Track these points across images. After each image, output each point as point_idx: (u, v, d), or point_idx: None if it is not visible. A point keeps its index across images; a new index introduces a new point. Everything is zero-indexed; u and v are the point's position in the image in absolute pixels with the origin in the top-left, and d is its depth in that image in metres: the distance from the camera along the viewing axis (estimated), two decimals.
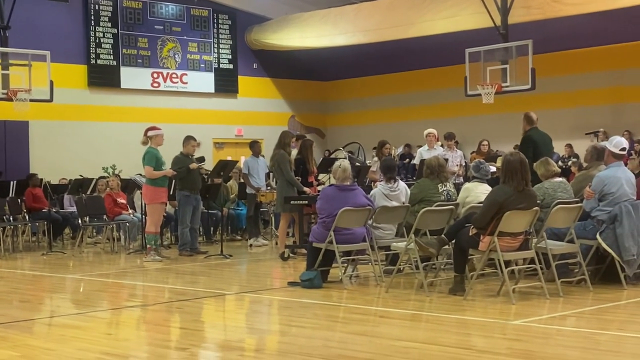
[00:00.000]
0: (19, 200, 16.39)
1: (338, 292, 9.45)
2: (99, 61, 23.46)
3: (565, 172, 17.34)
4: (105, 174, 20.30)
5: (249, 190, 15.36)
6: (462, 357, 6.13)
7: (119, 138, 22.85)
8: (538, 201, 8.89)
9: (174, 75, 24.82)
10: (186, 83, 25.10)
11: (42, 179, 17.23)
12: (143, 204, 14.13)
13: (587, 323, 7.57)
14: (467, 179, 14.58)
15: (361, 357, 6.22)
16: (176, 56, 24.90)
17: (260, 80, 27.09)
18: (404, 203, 10.46)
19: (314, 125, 28.56)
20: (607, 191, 9.12)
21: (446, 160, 12.49)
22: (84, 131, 22.93)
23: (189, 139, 14.10)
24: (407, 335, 7.15)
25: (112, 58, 23.67)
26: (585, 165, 11.08)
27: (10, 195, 16.46)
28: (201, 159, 14.15)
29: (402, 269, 10.07)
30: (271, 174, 15.75)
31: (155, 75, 24.45)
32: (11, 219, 16.12)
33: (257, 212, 15.88)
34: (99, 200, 15.85)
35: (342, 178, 10.00)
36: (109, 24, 23.65)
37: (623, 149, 9.44)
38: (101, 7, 23.52)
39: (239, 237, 16.99)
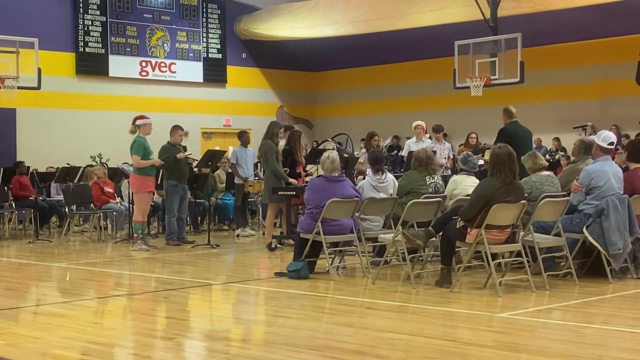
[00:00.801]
0: (6, 188, 16.34)
1: (325, 283, 9.45)
2: (87, 49, 23.38)
3: (553, 166, 17.40)
4: (93, 163, 20.24)
5: (237, 180, 15.34)
6: (448, 349, 6.15)
7: (106, 126, 22.77)
8: (525, 194, 8.91)
9: (162, 64, 24.76)
10: (175, 72, 25.04)
11: (29, 167, 17.18)
12: (130, 193, 14.09)
13: (573, 316, 7.60)
14: (455, 171, 14.59)
15: (347, 348, 6.23)
16: (165, 45, 24.82)
17: (249, 70, 27.05)
18: (391, 195, 10.47)
19: (303, 116, 28.55)
20: (594, 185, 9.15)
21: (434, 152, 12.49)
22: (71, 119, 22.86)
23: (176, 128, 14.07)
24: (393, 326, 7.17)
25: (100, 46, 23.59)
26: (572, 159, 11.10)
27: None
28: (183, 149, 14.15)
29: (389, 260, 10.08)
30: (259, 164, 15.74)
31: (143, 64, 24.38)
32: None
33: (245, 202, 15.86)
34: (86, 189, 15.80)
35: (331, 169, 10.00)
36: (98, 12, 23.56)
37: (611, 144, 9.47)
38: None
39: (227, 227, 16.97)
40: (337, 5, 23.89)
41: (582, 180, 9.24)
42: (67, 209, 15.82)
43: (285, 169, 13.05)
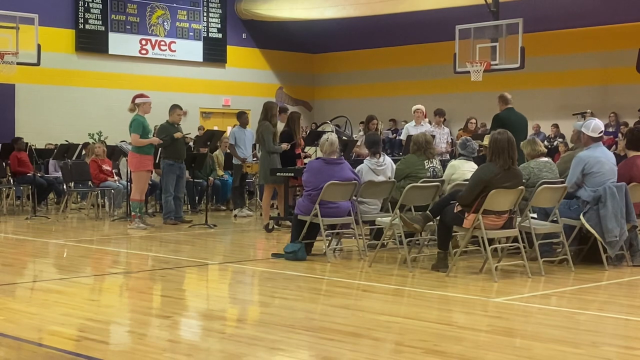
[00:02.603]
0: (4, 164, 16.33)
1: (321, 265, 9.47)
2: (87, 26, 23.31)
3: (552, 152, 17.41)
4: (92, 140, 20.24)
5: (235, 161, 15.34)
6: (443, 333, 6.17)
7: (105, 104, 22.76)
8: (523, 180, 8.92)
9: (162, 43, 24.70)
10: (174, 51, 24.99)
11: (27, 143, 17.16)
12: (129, 171, 14.10)
13: (568, 302, 7.63)
14: (453, 156, 14.60)
15: (343, 330, 6.25)
16: (165, 23, 24.75)
17: (249, 51, 27.00)
18: (390, 178, 10.47)
19: (302, 98, 28.51)
20: (588, 171, 9.14)
21: (433, 136, 12.49)
22: (70, 96, 22.83)
23: (175, 107, 14.06)
24: (389, 309, 7.19)
25: (100, 23, 23.52)
26: (571, 145, 11.10)
27: None
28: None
29: (385, 243, 10.11)
30: (257, 145, 15.73)
31: (143, 42, 24.32)
32: None
33: (243, 183, 15.85)
34: (84, 166, 15.80)
35: (329, 151, 10.00)
36: None
37: (601, 132, 9.46)
38: None
39: (224, 207, 16.98)
40: None
41: (574, 168, 9.21)
42: (65, 186, 15.81)
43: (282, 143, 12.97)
